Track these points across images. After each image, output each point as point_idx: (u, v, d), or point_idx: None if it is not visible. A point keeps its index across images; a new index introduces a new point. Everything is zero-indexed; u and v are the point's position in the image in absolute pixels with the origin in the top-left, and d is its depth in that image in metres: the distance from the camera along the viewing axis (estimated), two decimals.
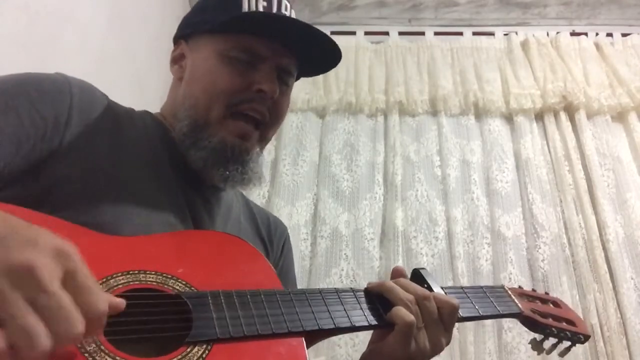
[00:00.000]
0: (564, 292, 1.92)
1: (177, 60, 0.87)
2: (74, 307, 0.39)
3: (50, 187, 0.63)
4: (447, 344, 0.73)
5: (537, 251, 2.03)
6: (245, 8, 0.80)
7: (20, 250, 0.39)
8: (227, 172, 0.77)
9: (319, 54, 0.84)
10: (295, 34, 0.80)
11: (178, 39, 0.89)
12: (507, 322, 1.90)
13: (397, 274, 0.77)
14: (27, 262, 0.38)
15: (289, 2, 0.86)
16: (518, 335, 1.87)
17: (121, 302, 0.46)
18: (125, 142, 0.74)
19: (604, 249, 2.02)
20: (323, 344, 1.81)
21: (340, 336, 1.81)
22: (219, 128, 0.77)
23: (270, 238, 0.95)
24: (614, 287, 1.95)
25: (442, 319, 0.72)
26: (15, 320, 0.37)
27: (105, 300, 0.43)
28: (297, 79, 0.92)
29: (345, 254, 2.05)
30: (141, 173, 0.73)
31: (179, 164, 0.79)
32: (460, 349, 1.85)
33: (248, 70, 0.79)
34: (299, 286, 1.95)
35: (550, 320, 0.87)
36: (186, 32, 0.87)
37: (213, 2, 0.85)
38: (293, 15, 0.84)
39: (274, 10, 0.82)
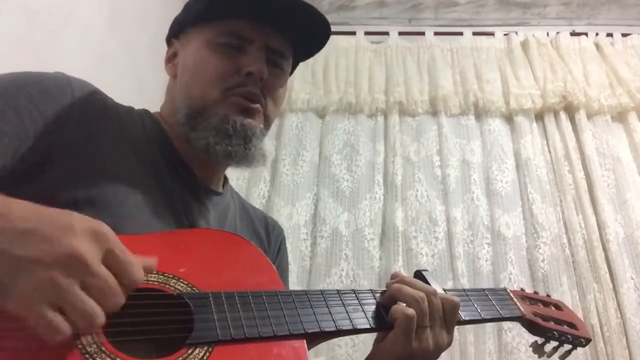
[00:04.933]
0: (564, 292, 1.92)
1: (170, 59, 0.88)
2: (118, 286, 0.45)
3: (51, 186, 0.63)
4: (449, 344, 0.73)
5: (537, 251, 2.03)
6: None
7: (62, 239, 0.42)
8: (230, 148, 0.76)
9: (308, 29, 0.84)
10: (280, 10, 0.79)
11: (170, 39, 0.90)
12: (507, 323, 1.90)
13: (395, 277, 0.78)
14: (72, 250, 0.42)
15: None
16: (518, 335, 1.87)
17: (154, 261, 0.54)
18: (127, 143, 0.74)
19: (604, 249, 2.02)
20: (323, 344, 1.81)
21: (342, 336, 1.81)
22: (218, 108, 0.77)
23: (268, 238, 0.96)
24: (614, 287, 1.94)
25: (444, 317, 0.72)
26: (75, 306, 0.41)
27: (140, 270, 0.50)
28: (295, 65, 0.92)
29: (345, 254, 2.04)
30: (142, 176, 0.73)
31: (177, 167, 0.80)
32: (460, 349, 1.85)
33: (237, 54, 0.80)
34: (299, 287, 1.95)
35: (551, 324, 0.87)
36: (176, 30, 0.88)
37: None
38: None
39: None
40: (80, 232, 0.43)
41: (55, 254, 0.41)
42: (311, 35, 0.86)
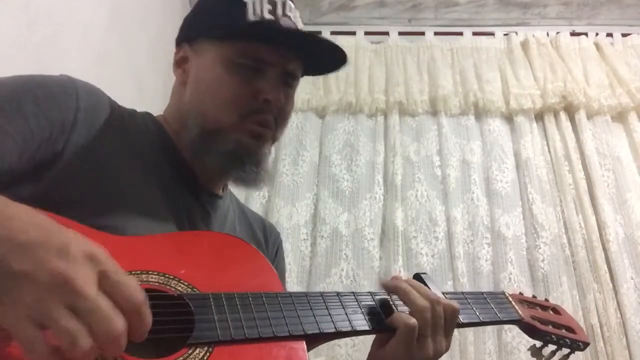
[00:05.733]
0: (564, 293, 1.92)
1: (180, 63, 0.86)
2: (111, 308, 0.42)
3: (55, 188, 0.63)
4: (447, 349, 0.73)
5: (537, 251, 2.03)
6: (250, 13, 0.79)
7: (54, 260, 0.42)
8: (243, 174, 0.78)
9: (325, 60, 0.85)
10: (302, 43, 0.80)
11: (181, 41, 0.88)
12: None
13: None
14: (61, 272, 0.41)
15: (292, 2, 0.85)
16: (518, 335, 1.87)
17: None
18: (131, 146, 0.74)
19: (604, 249, 2.02)
20: (323, 344, 1.81)
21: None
22: (232, 132, 0.78)
23: (266, 242, 0.97)
24: (614, 287, 1.94)
25: (444, 323, 0.72)
26: (59, 324, 0.40)
27: (137, 290, 0.45)
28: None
29: (345, 254, 2.05)
30: (144, 179, 0.73)
31: (180, 171, 0.80)
32: (460, 349, 1.85)
33: (254, 78, 0.79)
34: (299, 286, 1.95)
35: (549, 327, 0.87)
36: (189, 36, 0.86)
37: (217, 7, 0.84)
38: (297, 16, 0.84)
39: (279, 12, 0.81)
40: (74, 254, 0.43)
41: (47, 274, 0.41)
42: (326, 63, 0.87)
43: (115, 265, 0.46)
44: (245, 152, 0.78)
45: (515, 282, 1.97)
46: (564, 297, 1.90)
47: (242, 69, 0.79)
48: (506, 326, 1.89)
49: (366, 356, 0.76)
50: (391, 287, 0.74)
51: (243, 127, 0.78)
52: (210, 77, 0.80)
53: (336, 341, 1.86)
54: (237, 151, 0.77)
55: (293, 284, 1.96)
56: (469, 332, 1.86)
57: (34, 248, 0.42)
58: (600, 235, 2.05)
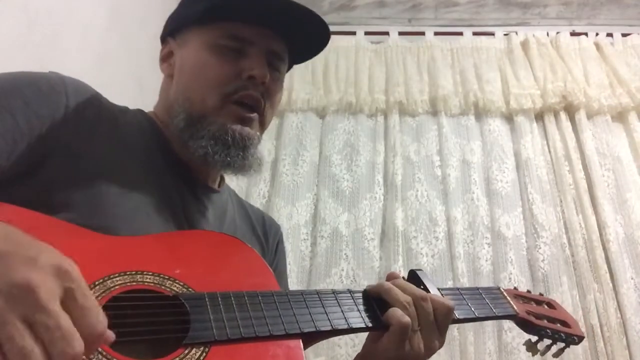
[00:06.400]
0: (564, 293, 1.92)
1: (165, 58, 0.87)
2: (72, 327, 0.39)
3: (47, 188, 0.63)
4: (440, 346, 0.73)
5: (537, 251, 2.03)
6: None
7: (20, 269, 0.39)
8: (229, 158, 0.76)
9: (308, 33, 0.84)
10: (281, 14, 0.79)
11: (165, 37, 0.88)
12: (507, 323, 1.90)
13: (392, 278, 0.78)
14: (26, 281, 0.38)
15: None
16: (518, 335, 1.87)
17: (110, 335, 0.45)
18: (122, 143, 0.74)
19: (604, 249, 2.02)
20: (323, 344, 1.81)
21: (340, 336, 1.81)
22: (216, 116, 0.77)
23: (266, 237, 0.96)
24: (614, 287, 1.94)
25: (436, 321, 0.72)
26: (12, 341, 0.37)
27: (103, 321, 0.42)
28: (290, 67, 0.92)
29: (345, 254, 2.05)
30: (138, 175, 0.73)
31: (174, 166, 0.79)
32: (460, 349, 1.85)
33: (237, 57, 0.79)
34: (299, 286, 1.96)
35: (544, 322, 0.88)
36: (172, 29, 0.87)
37: None
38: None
39: None
40: (42, 265, 0.40)
41: (6, 281, 0.38)
42: (310, 39, 0.86)
43: (85, 286, 0.42)
44: (231, 136, 0.76)
45: (515, 282, 1.97)
46: (564, 297, 1.90)
47: (225, 51, 0.79)
48: (506, 326, 1.89)
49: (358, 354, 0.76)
50: (374, 290, 0.74)
51: (228, 110, 0.77)
52: (194, 62, 0.80)
53: (336, 341, 1.86)
54: (222, 135, 0.76)
55: (293, 284, 1.96)
56: (469, 332, 1.86)
57: (0, 258, 0.39)
58: (600, 235, 2.05)
